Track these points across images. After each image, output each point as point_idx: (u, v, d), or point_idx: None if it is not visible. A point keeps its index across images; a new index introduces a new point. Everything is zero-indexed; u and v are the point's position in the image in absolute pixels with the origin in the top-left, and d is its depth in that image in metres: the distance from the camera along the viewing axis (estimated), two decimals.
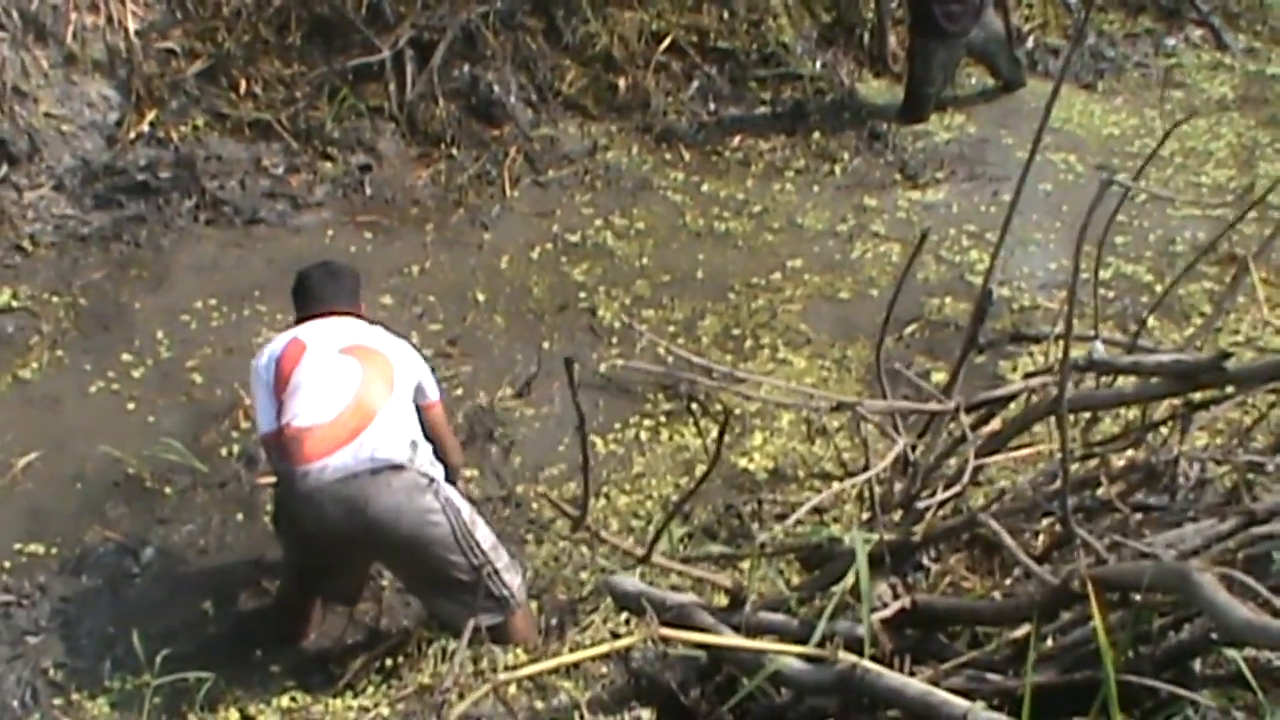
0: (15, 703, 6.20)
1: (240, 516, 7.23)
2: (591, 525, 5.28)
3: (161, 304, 9.05)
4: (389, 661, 6.25)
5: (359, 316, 6.57)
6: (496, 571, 6.07)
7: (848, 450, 7.37)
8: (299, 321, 6.45)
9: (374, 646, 6.38)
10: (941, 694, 3.73)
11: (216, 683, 6.09)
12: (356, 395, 5.99)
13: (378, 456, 5.88)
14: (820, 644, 4.00)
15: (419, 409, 6.38)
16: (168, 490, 7.49)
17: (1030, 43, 12.92)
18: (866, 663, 3.84)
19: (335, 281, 6.65)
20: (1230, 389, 5.21)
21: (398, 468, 5.92)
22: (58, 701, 6.22)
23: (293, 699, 6.14)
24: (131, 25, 10.47)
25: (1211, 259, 8.67)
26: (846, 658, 3.85)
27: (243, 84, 10.77)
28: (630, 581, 4.80)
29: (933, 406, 5.79)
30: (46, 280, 9.23)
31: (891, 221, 10.27)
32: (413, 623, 6.40)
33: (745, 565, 6.33)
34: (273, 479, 6.90)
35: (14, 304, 8.93)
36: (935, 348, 8.52)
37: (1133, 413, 6.27)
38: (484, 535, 6.12)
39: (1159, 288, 8.61)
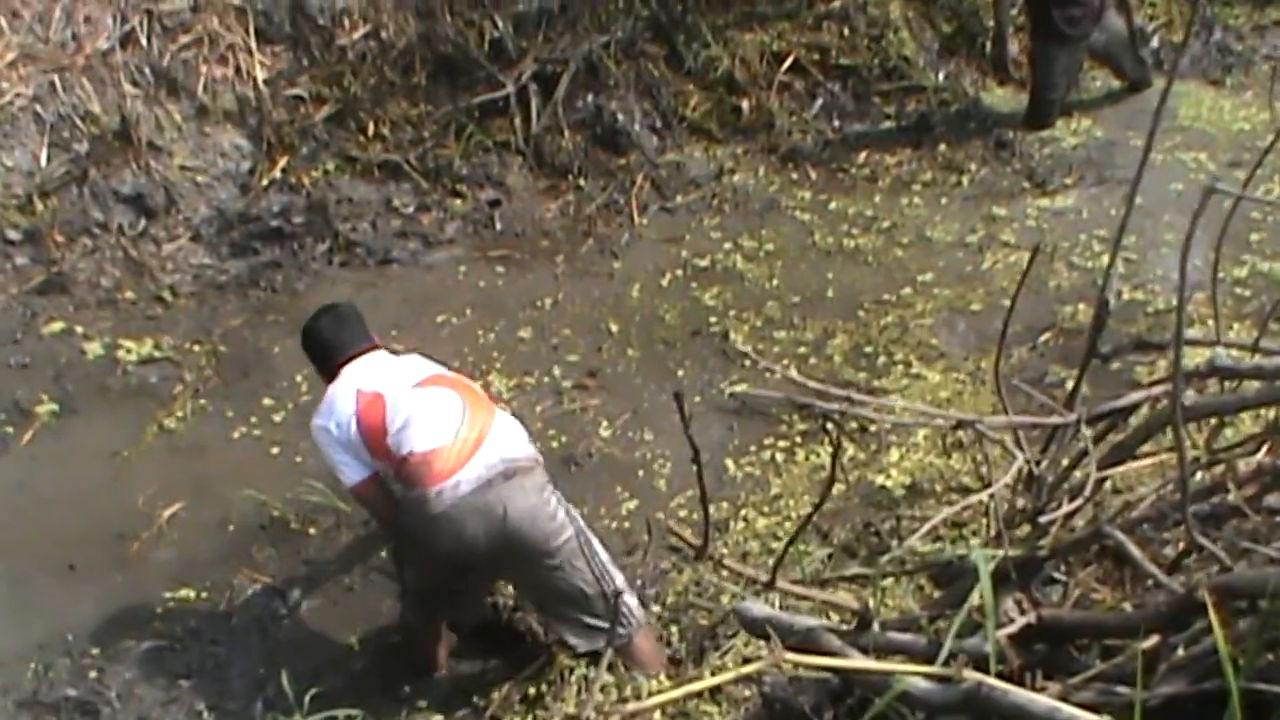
0: None
1: (384, 554, 7.31)
2: (723, 550, 5.33)
3: (300, 347, 9.15)
4: (531, 691, 6.33)
5: (380, 347, 6.69)
6: (617, 590, 6.18)
7: (985, 464, 7.35)
8: (334, 372, 6.51)
9: (516, 676, 6.44)
10: (1068, 709, 3.71)
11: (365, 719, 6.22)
12: (467, 413, 6.16)
13: (506, 457, 6.06)
14: (947, 662, 4.01)
15: None
16: (312, 531, 7.63)
17: (1155, 41, 12.75)
18: (991, 680, 3.84)
19: (349, 324, 6.72)
20: None
21: (528, 468, 6.10)
22: None
23: None
24: (260, 75, 10.69)
25: None
26: (972, 675, 3.86)
27: (371, 126, 10.95)
28: (758, 607, 4.81)
29: (1054, 420, 5.77)
30: (187, 330, 9.43)
31: (1021, 230, 10.22)
32: (554, 651, 6.44)
33: (881, 583, 6.36)
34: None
35: (156, 354, 9.12)
36: (1069, 356, 8.41)
37: (1270, 414, 6.21)
38: (600, 550, 6.30)
39: None
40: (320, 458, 6.58)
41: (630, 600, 6.29)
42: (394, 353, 6.72)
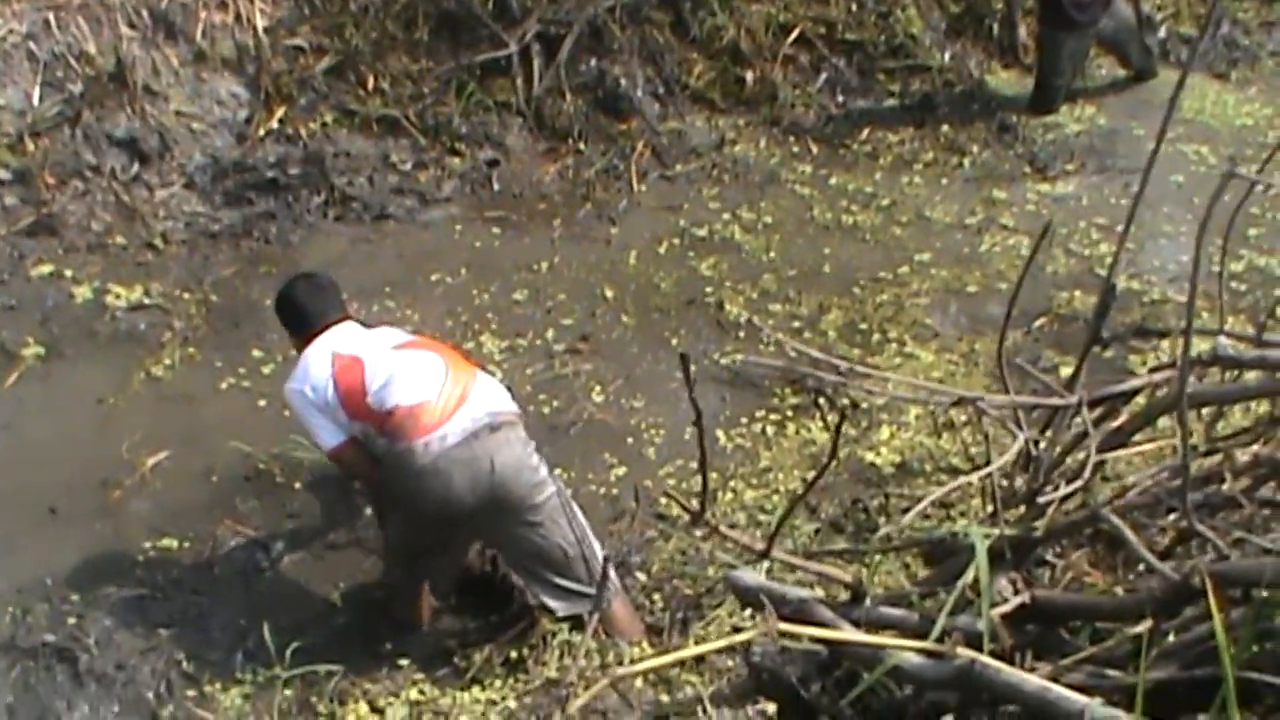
0: (150, 694, 6.27)
1: (369, 510, 7.27)
2: (713, 520, 5.30)
3: None
4: (514, 654, 6.30)
5: (352, 319, 6.72)
6: (595, 555, 6.28)
7: (975, 444, 7.34)
8: (306, 340, 6.51)
9: (497, 639, 6.42)
10: (1059, 690, 3.69)
11: (345, 675, 6.22)
12: (448, 370, 6.19)
13: (491, 410, 6.10)
14: (940, 639, 3.98)
15: None
16: (297, 485, 7.58)
17: (1162, 32, 12.74)
18: (985, 658, 3.82)
19: (325, 293, 6.74)
20: None
21: (512, 422, 6.16)
22: (191, 693, 6.29)
23: (421, 692, 6.22)
24: (260, 23, 10.59)
25: None
26: (965, 653, 3.83)
27: (371, 80, 10.86)
28: (749, 576, 4.77)
29: (1055, 401, 5.75)
30: (178, 277, 9.34)
31: (1021, 214, 10.22)
32: (537, 614, 6.41)
33: (870, 559, 6.36)
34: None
35: (146, 301, 9.04)
36: (1064, 341, 8.46)
37: (1263, 406, 6.20)
38: (579, 514, 6.36)
39: None
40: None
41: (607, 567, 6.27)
42: (366, 325, 6.71)
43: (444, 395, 6.05)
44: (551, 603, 6.27)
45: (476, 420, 6.01)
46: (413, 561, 6.44)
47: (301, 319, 6.61)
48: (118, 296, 9.05)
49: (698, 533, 6.81)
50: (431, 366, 6.19)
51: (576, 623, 6.28)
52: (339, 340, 6.41)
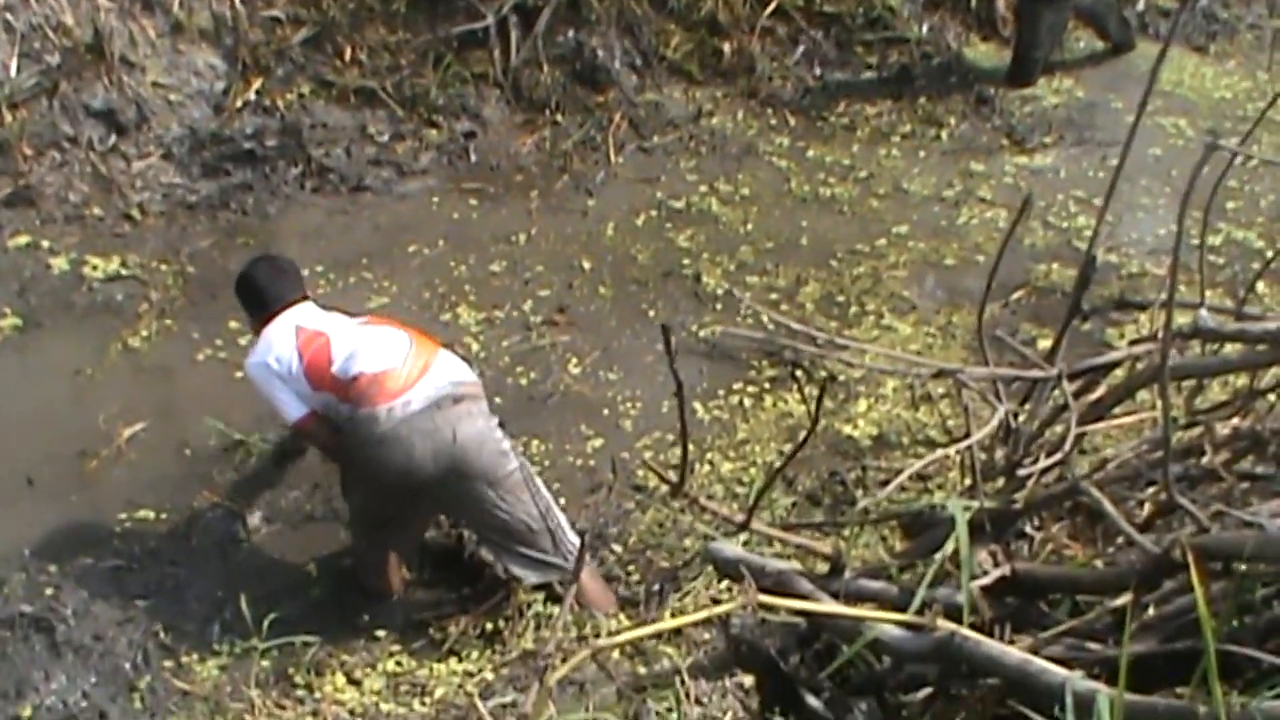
0: (127, 665, 6.24)
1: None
2: (692, 492, 5.30)
3: None
4: (489, 626, 6.33)
5: (310, 299, 6.75)
6: (561, 526, 6.34)
7: (952, 417, 7.34)
8: (265, 320, 6.52)
9: (473, 611, 6.44)
10: (1040, 662, 3.70)
11: (323, 646, 6.24)
12: (413, 342, 6.29)
13: (455, 380, 6.18)
14: (919, 611, 3.98)
15: None
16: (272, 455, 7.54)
17: (1140, 4, 12.75)
18: (965, 630, 3.82)
19: (285, 275, 6.78)
20: None
21: (475, 395, 6.23)
22: (168, 664, 6.28)
23: (398, 663, 6.25)
24: None
25: None
26: (945, 625, 3.83)
27: (348, 51, 10.78)
28: (729, 548, 4.78)
29: (1035, 373, 5.75)
30: (155, 249, 9.29)
31: (998, 187, 10.22)
32: (512, 586, 6.42)
33: (847, 532, 6.36)
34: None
35: (123, 272, 8.98)
36: (1042, 314, 8.48)
37: (1241, 380, 6.21)
38: (543, 487, 6.41)
39: (1270, 253, 8.50)
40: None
41: (573, 538, 6.35)
42: (324, 307, 6.72)
43: (408, 364, 6.14)
44: (520, 572, 6.33)
45: (440, 389, 6.09)
46: (375, 531, 6.49)
47: (261, 300, 6.64)
48: (95, 267, 8.99)
49: (676, 504, 6.81)
50: (396, 339, 6.29)
51: (551, 594, 6.34)
52: (301, 317, 6.47)
